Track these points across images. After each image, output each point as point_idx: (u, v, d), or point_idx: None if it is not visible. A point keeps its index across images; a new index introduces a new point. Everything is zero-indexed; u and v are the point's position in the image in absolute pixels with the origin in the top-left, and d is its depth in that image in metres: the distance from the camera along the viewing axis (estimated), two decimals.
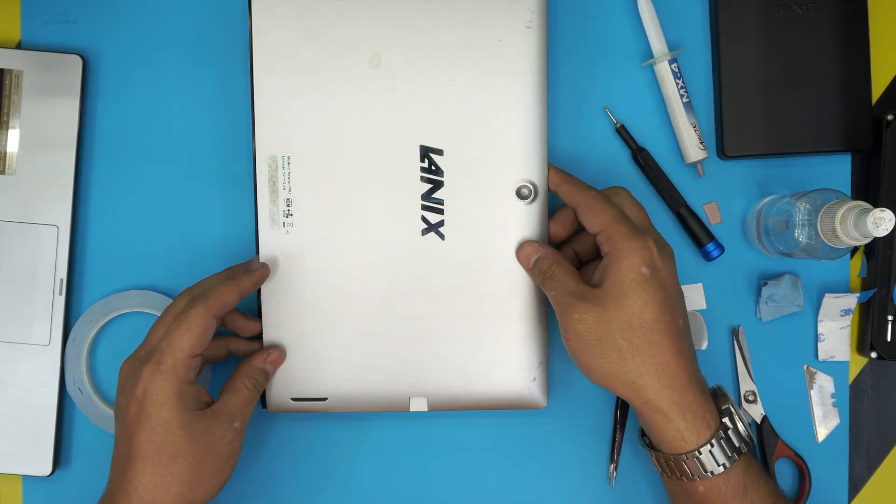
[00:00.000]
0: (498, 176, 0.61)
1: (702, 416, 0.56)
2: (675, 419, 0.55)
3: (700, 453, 0.55)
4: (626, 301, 0.55)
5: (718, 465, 0.55)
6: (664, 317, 0.55)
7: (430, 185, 0.62)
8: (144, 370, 0.55)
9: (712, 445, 0.55)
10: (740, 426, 0.56)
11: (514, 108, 0.61)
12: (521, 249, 0.61)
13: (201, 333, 0.56)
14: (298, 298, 0.62)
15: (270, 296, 0.62)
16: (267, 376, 0.61)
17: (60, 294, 0.64)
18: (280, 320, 0.62)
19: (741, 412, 0.64)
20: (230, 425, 0.57)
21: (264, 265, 0.61)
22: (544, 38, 0.61)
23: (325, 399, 0.63)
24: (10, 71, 0.64)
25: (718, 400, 0.58)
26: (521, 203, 0.62)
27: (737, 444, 0.56)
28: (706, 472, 0.55)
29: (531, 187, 0.61)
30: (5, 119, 0.64)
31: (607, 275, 0.56)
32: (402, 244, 0.62)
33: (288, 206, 0.62)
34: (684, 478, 0.56)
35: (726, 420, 0.56)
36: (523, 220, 0.62)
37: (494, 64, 0.61)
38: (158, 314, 0.64)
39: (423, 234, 0.62)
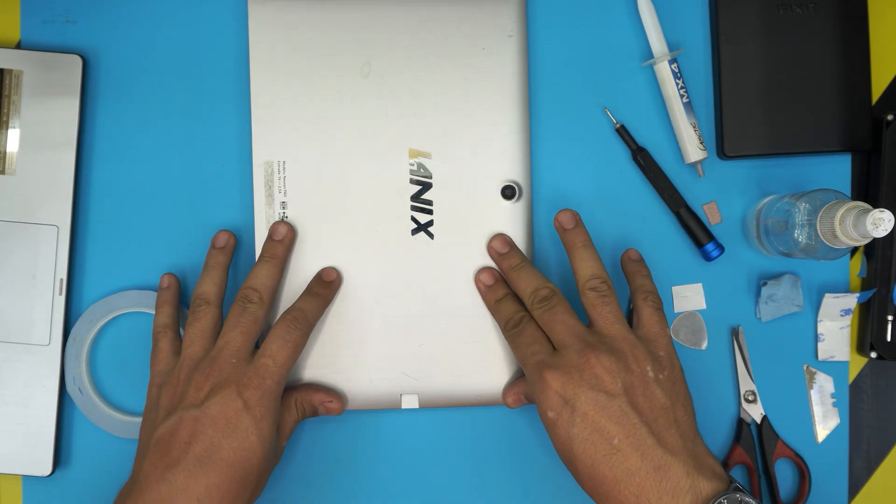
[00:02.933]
0: (483, 177, 0.64)
1: None
2: None
3: None
4: (553, 442, 0.55)
5: None
6: (587, 452, 0.53)
7: (419, 187, 0.63)
8: (252, 379, 0.56)
9: None
10: None
11: (498, 113, 0.64)
12: (508, 397, 0.63)
13: (297, 355, 0.59)
14: (294, 298, 0.62)
15: None
16: (315, 414, 0.62)
17: (60, 294, 0.64)
18: (274, 319, 0.62)
19: None
20: (282, 445, 0.59)
21: (338, 275, 0.63)
22: (525, 47, 0.64)
23: None
24: (10, 71, 0.64)
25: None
26: (507, 203, 0.64)
27: None
28: None
29: (515, 187, 0.63)
30: (5, 119, 0.64)
31: None
32: (393, 244, 0.63)
33: (283, 208, 0.63)
34: None
35: None
36: (508, 219, 0.63)
37: (478, 71, 0.63)
38: None
39: (413, 234, 0.63)
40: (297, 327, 0.59)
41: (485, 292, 0.63)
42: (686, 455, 0.53)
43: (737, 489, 0.52)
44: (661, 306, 0.59)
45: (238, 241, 0.65)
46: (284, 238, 0.62)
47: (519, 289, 0.60)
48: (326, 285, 0.62)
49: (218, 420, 0.55)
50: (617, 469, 0.53)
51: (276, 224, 0.62)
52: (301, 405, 0.61)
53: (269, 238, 0.62)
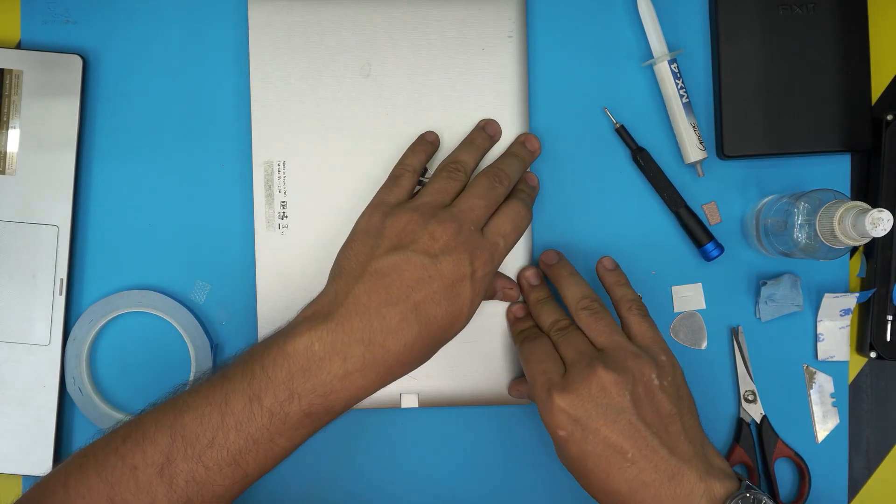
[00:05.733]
0: None
1: None
2: None
3: None
4: (565, 459, 0.56)
5: None
6: (601, 467, 0.54)
7: (419, 187, 0.63)
8: (484, 253, 0.55)
9: None
10: None
11: (497, 112, 0.64)
12: (512, 393, 0.64)
13: (518, 239, 0.59)
14: (293, 297, 0.63)
15: (266, 295, 0.63)
16: (493, 297, 0.62)
17: (60, 294, 0.64)
18: (275, 319, 0.63)
19: None
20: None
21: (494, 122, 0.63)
22: (525, 47, 0.64)
23: None
24: (10, 71, 0.64)
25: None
26: None
27: None
28: None
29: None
30: (5, 119, 0.64)
31: None
32: None
33: (283, 208, 0.63)
34: None
35: None
36: None
37: (478, 71, 0.64)
38: (158, 314, 0.65)
39: None
40: (525, 213, 0.59)
41: (528, 291, 0.63)
42: (697, 460, 0.54)
43: (749, 487, 0.53)
44: (647, 312, 0.59)
45: (238, 246, 0.65)
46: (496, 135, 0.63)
47: (541, 321, 0.61)
48: (524, 145, 0.63)
49: (445, 277, 0.54)
50: (633, 482, 0.53)
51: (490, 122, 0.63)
52: (489, 288, 0.60)
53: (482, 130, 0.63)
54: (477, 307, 0.56)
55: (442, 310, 0.54)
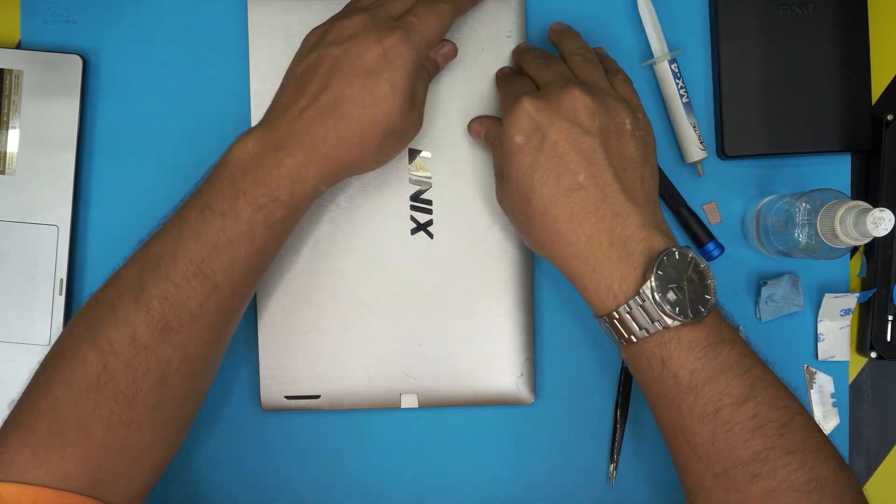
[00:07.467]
0: (483, 176, 0.63)
1: (606, 286, 0.52)
2: (584, 289, 0.53)
3: (616, 315, 0.52)
4: (510, 175, 0.54)
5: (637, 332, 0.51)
6: (548, 182, 0.53)
7: (419, 187, 0.63)
8: (395, 31, 0.54)
9: (628, 308, 0.51)
10: (654, 297, 0.50)
11: (497, 112, 0.63)
12: (471, 126, 0.62)
13: (443, 30, 0.57)
14: (292, 297, 0.63)
15: (265, 295, 0.63)
16: (437, 68, 0.61)
17: (60, 294, 0.64)
18: (274, 319, 0.63)
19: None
20: (420, 111, 0.58)
21: None
22: None
23: (318, 397, 0.63)
24: (10, 71, 0.64)
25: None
26: None
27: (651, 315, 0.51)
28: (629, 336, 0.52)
29: None
30: (5, 119, 0.64)
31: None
32: (393, 243, 0.63)
33: None
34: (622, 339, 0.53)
35: (646, 288, 0.51)
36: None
37: (477, 71, 0.63)
38: None
39: (412, 234, 0.63)
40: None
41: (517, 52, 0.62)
42: (647, 209, 0.53)
43: (686, 248, 0.53)
44: (632, 83, 0.58)
45: None
46: None
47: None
48: None
49: (356, 60, 0.54)
50: (576, 206, 0.52)
51: None
52: (425, 66, 0.58)
53: None
54: (408, 86, 0.55)
55: (359, 91, 0.54)
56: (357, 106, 0.54)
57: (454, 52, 0.61)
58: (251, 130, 0.55)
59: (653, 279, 0.50)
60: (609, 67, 0.60)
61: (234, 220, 0.53)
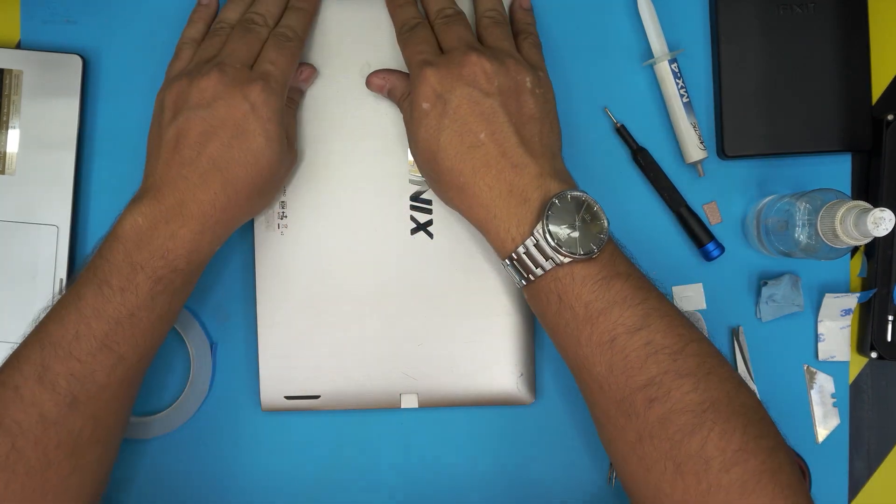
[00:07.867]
0: None
1: (506, 230, 0.55)
2: (488, 234, 0.57)
3: (515, 256, 0.55)
4: (419, 136, 0.57)
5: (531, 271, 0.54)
6: (453, 142, 0.56)
7: (419, 187, 0.64)
8: (256, 84, 0.56)
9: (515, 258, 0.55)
10: (546, 240, 0.53)
11: None
12: (372, 80, 0.63)
13: (296, 64, 0.60)
14: (292, 298, 0.63)
15: (265, 295, 0.63)
16: (302, 93, 0.63)
17: (60, 294, 0.64)
18: (274, 319, 0.63)
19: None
20: (293, 146, 0.61)
21: None
22: None
23: (317, 397, 0.63)
24: (10, 71, 0.64)
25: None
26: None
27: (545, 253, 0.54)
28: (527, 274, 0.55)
29: None
30: (5, 119, 0.64)
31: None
32: (393, 243, 0.63)
33: (283, 208, 0.63)
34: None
35: (538, 234, 0.54)
36: None
37: None
38: None
39: (412, 234, 0.63)
40: (288, 38, 0.59)
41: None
42: (545, 160, 0.56)
43: (582, 192, 0.55)
44: (540, 46, 0.62)
45: (237, 246, 0.65)
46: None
47: (428, 6, 0.62)
48: None
49: (227, 121, 0.55)
50: (477, 161, 0.55)
51: None
52: (291, 99, 0.61)
53: None
54: (279, 132, 0.57)
55: (237, 152, 0.55)
56: (239, 165, 0.55)
57: (314, 72, 0.63)
58: (137, 202, 0.55)
59: (544, 220, 0.54)
60: (521, 29, 0.62)
61: (134, 294, 0.54)
